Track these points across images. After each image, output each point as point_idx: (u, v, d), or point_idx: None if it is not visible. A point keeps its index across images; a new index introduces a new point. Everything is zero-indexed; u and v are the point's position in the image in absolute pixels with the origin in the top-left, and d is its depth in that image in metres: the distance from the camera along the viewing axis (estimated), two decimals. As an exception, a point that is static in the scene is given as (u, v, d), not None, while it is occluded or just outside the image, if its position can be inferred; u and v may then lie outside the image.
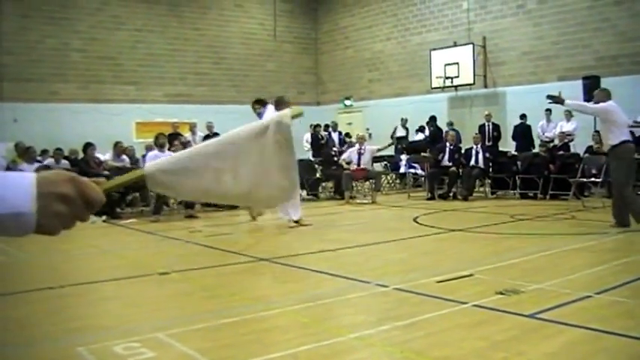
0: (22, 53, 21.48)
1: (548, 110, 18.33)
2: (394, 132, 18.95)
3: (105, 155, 15.18)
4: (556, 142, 16.87)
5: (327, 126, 22.22)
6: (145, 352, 4.30)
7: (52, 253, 9.18)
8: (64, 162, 14.97)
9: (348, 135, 21.81)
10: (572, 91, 17.71)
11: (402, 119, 21.68)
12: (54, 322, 5.21)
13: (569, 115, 17.35)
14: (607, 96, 10.14)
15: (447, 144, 16.33)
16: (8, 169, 13.99)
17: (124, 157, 15.27)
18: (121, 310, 5.70)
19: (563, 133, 16.75)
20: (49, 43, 22.06)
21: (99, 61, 22.98)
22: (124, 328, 4.91)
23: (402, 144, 20.51)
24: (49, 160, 14.91)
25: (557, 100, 10.18)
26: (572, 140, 16.88)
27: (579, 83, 17.62)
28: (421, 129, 21.22)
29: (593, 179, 13.69)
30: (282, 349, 4.32)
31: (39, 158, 14.74)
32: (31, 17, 21.70)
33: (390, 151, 20.28)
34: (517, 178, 15.74)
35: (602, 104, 9.91)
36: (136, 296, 6.25)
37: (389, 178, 19.94)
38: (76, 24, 22.69)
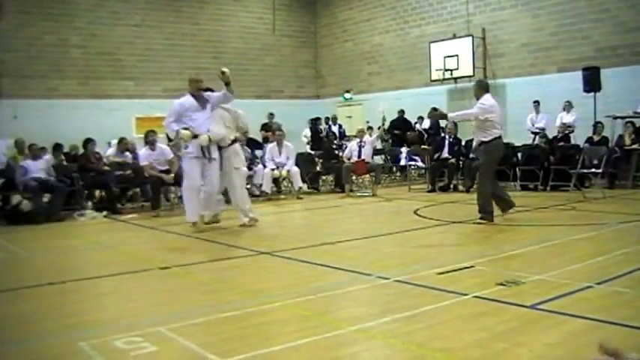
0: (21, 50, 21.47)
1: (536, 102, 18.35)
2: (384, 118, 18.99)
3: (107, 151, 15.17)
4: (553, 133, 16.86)
5: (327, 119, 22.22)
6: (147, 347, 4.31)
7: (53, 249, 9.21)
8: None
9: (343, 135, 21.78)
10: (572, 82, 17.79)
11: (398, 111, 21.58)
12: (55, 318, 5.22)
13: (569, 107, 17.34)
14: (485, 88, 10.39)
15: (447, 136, 16.34)
16: (8, 166, 13.98)
17: (127, 153, 15.25)
18: (123, 304, 5.70)
19: (563, 124, 16.73)
20: (48, 40, 22.05)
21: (98, 57, 22.98)
22: (125, 323, 4.92)
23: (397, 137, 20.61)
24: (47, 157, 14.88)
25: (438, 116, 10.44)
26: (572, 131, 16.87)
27: (579, 74, 17.61)
28: (420, 119, 21.26)
29: (593, 170, 13.70)
30: (283, 342, 4.33)
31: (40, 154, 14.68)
32: (29, 14, 21.67)
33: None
34: (517, 169, 15.74)
35: (483, 107, 10.08)
36: (137, 291, 6.26)
37: (392, 170, 19.96)
38: (75, 20, 22.68)
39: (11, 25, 21.27)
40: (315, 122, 21.07)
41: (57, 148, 15.25)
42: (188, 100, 10.15)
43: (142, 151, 13.51)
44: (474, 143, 10.65)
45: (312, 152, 18.92)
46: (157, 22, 24.56)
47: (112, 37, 23.41)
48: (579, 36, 19.10)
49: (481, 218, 10.05)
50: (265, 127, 19.55)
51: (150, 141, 13.41)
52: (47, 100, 21.38)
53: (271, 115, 21.73)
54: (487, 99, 10.18)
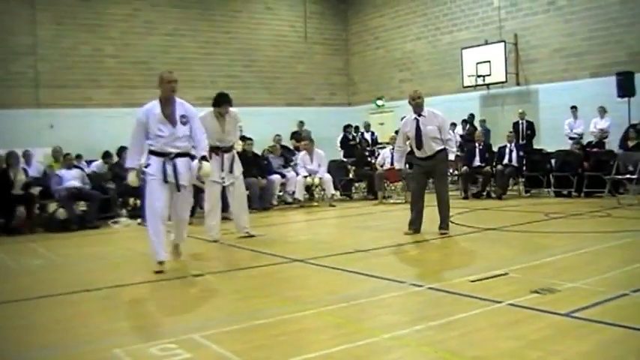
0: (57, 60, 21.83)
1: (574, 107, 18.18)
2: None
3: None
4: (587, 138, 16.69)
5: (356, 128, 22.12)
6: (181, 354, 4.34)
7: (88, 256, 9.30)
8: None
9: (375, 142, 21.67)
10: (605, 87, 17.63)
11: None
12: (90, 324, 5.28)
13: (602, 112, 17.19)
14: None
15: (476, 144, 16.24)
16: (45, 174, 14.15)
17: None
18: (157, 311, 5.75)
19: (600, 130, 16.56)
20: (83, 50, 22.38)
21: (131, 66, 23.25)
22: (159, 330, 4.96)
23: None
24: (98, 163, 15.00)
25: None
26: (606, 137, 16.70)
27: (612, 79, 17.45)
28: (452, 125, 21.19)
29: (628, 176, 13.55)
30: (316, 349, 4.34)
31: (75, 163, 14.81)
32: (65, 25, 22.02)
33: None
34: (551, 176, 15.61)
35: (445, 119, 10.02)
36: (171, 298, 6.30)
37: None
38: (109, 30, 22.99)
39: (48, 36, 21.63)
40: (346, 129, 21.01)
41: (106, 155, 15.13)
42: (155, 107, 7.72)
43: None
44: (427, 153, 10.15)
45: (345, 159, 18.90)
46: (190, 31, 24.78)
47: (145, 46, 23.68)
48: (612, 40, 18.91)
49: (447, 228, 9.90)
50: (295, 136, 19.55)
51: None
52: (82, 109, 21.66)
53: (301, 123, 21.76)
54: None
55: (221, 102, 9.87)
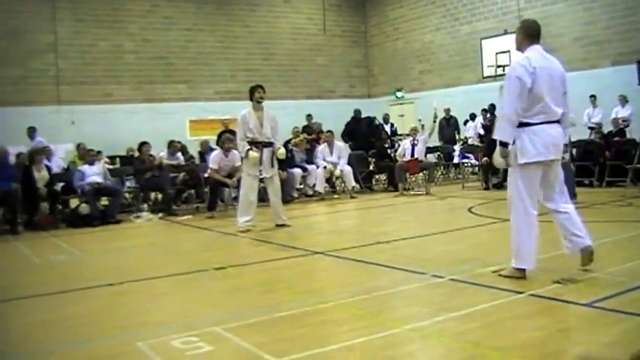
0: (77, 57, 21.97)
1: (593, 96, 18.04)
2: (435, 115, 18.54)
3: (160, 153, 15.32)
4: (607, 127, 16.55)
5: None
6: (203, 346, 4.37)
7: (111, 250, 9.37)
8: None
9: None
10: (627, 75, 17.47)
11: (445, 110, 21.24)
12: (114, 318, 5.32)
13: (623, 101, 17.05)
14: None
15: (494, 134, 16.17)
16: (67, 170, 14.25)
17: (179, 154, 15.42)
18: (179, 305, 5.78)
19: (617, 118, 16.42)
20: (103, 46, 22.49)
21: (151, 62, 23.35)
22: (181, 323, 4.99)
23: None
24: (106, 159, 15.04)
25: None
26: (627, 126, 16.56)
27: (633, 68, 17.29)
28: (472, 117, 21.10)
29: (651, 165, 13.44)
30: (337, 341, 4.34)
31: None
32: (85, 21, 22.14)
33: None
34: (572, 165, 15.50)
35: None
36: (193, 291, 6.34)
37: (442, 169, 19.86)
38: (128, 26, 23.08)
39: (68, 33, 21.77)
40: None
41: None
42: None
43: (215, 154, 13.30)
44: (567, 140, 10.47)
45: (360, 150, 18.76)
46: (209, 26, 24.84)
47: (164, 41, 23.75)
48: (633, 28, 18.72)
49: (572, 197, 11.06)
50: (307, 130, 19.45)
51: (227, 148, 12.99)
52: (103, 106, 21.78)
53: (309, 116, 21.52)
54: None
55: (253, 90, 10.43)
